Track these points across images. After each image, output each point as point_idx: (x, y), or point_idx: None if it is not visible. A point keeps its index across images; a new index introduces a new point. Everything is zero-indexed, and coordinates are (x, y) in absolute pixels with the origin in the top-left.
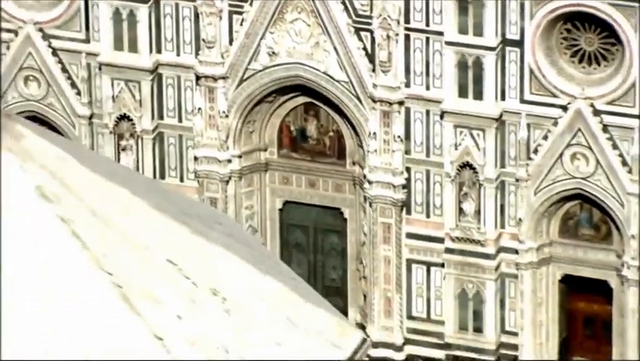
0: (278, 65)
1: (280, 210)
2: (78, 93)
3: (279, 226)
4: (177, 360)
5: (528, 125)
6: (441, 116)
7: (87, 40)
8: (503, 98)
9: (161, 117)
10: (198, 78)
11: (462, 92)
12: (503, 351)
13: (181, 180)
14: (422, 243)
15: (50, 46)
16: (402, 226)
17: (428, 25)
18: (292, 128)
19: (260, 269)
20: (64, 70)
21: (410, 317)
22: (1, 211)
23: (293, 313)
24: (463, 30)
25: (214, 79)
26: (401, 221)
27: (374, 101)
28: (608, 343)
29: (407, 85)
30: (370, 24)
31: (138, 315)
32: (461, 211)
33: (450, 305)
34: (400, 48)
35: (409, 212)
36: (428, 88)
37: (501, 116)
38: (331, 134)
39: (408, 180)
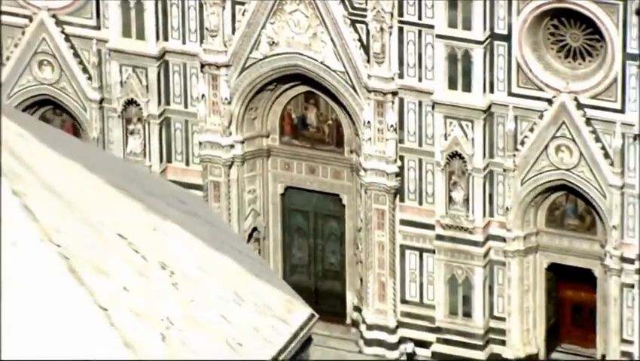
0: (278, 54)
1: (282, 195)
2: (89, 78)
3: (281, 210)
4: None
5: (516, 118)
6: (432, 107)
7: (98, 27)
8: (491, 90)
9: (167, 103)
10: (202, 66)
11: (452, 84)
12: (491, 336)
13: (187, 163)
14: (414, 229)
15: (63, 32)
16: (395, 212)
17: (420, 18)
18: (293, 115)
19: (217, 247)
20: (76, 55)
21: (404, 301)
22: None
23: (242, 289)
24: (452, 24)
25: (217, 67)
26: (395, 208)
27: (369, 91)
28: (594, 330)
29: (401, 76)
30: (365, 16)
31: (84, 285)
32: (450, 200)
33: (441, 291)
34: (394, 40)
35: (402, 199)
36: (420, 79)
37: (489, 108)
38: (330, 122)
39: (402, 168)
